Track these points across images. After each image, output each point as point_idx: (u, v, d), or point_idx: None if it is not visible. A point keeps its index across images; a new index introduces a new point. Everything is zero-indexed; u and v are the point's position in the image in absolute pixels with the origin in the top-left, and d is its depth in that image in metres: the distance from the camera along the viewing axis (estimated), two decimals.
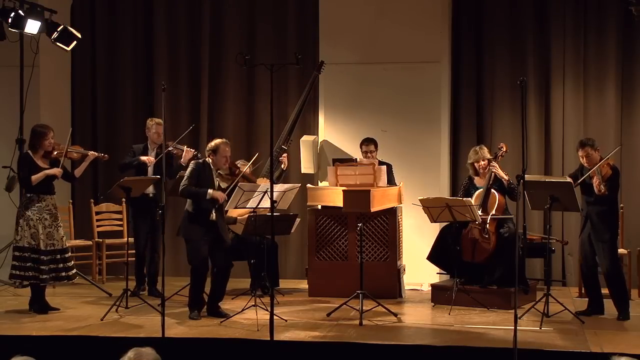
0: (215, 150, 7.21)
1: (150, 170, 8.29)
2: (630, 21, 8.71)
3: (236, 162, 8.32)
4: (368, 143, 8.72)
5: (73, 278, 7.61)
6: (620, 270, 7.38)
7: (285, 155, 8.79)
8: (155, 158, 8.29)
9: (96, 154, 7.81)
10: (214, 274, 7.27)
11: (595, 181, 7.10)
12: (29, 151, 7.53)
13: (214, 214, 7.12)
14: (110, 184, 8.26)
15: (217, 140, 7.31)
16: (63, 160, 7.55)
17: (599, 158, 7.21)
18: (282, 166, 8.71)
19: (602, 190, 7.08)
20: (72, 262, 7.69)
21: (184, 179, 7.20)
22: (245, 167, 7.91)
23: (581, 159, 7.31)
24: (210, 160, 7.22)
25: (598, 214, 7.21)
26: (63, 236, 7.55)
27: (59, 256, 7.45)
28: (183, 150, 8.16)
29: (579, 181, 7.24)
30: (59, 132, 7.87)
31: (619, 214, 7.50)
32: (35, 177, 7.38)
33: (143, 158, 8.28)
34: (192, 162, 7.39)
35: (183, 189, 7.15)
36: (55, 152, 7.53)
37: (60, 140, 7.76)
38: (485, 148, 8.15)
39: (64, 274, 7.46)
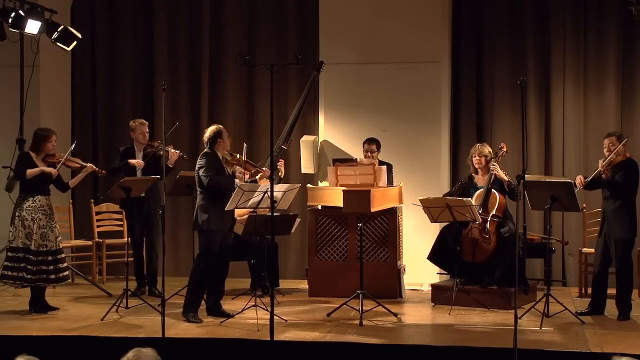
0: (218, 137, 7.13)
1: (138, 172, 8.26)
2: (630, 21, 8.71)
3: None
4: (370, 143, 8.71)
5: (65, 280, 7.57)
6: (630, 270, 7.31)
7: (281, 161, 8.66)
8: (143, 159, 8.28)
9: (94, 167, 7.73)
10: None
11: (600, 164, 7.14)
12: (30, 151, 7.53)
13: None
14: (110, 184, 8.26)
15: (213, 128, 7.20)
16: (60, 166, 7.53)
17: (621, 151, 7.21)
18: (280, 174, 8.56)
19: (603, 171, 7.10)
20: (65, 264, 7.66)
21: (202, 170, 7.00)
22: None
23: (604, 148, 7.30)
24: (217, 149, 7.17)
25: (612, 211, 7.19)
26: (58, 236, 7.52)
27: (50, 257, 7.40)
28: (169, 152, 8.11)
29: (593, 173, 7.24)
30: (59, 133, 7.85)
31: (635, 213, 7.28)
32: (31, 172, 7.35)
33: (132, 161, 8.23)
34: (202, 154, 7.17)
35: (211, 180, 6.97)
36: (55, 158, 7.53)
37: (62, 149, 7.75)
38: (488, 146, 8.15)
39: (53, 276, 7.40)
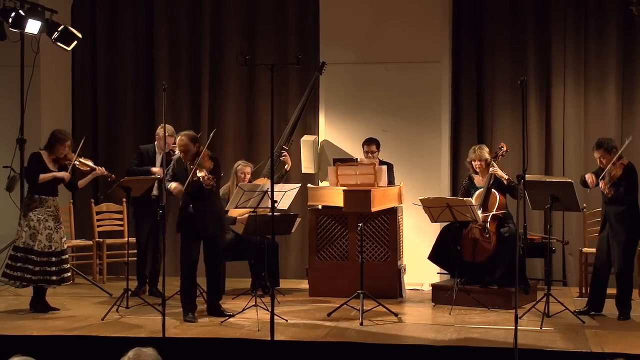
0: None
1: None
2: (630, 21, 8.71)
3: (237, 163, 8.37)
4: (369, 144, 8.70)
5: (67, 281, 7.56)
6: (630, 272, 7.29)
7: (286, 155, 8.69)
8: (161, 164, 8.28)
9: (105, 172, 7.71)
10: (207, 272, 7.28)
11: (602, 184, 7.08)
12: (42, 151, 7.49)
13: (191, 207, 7.09)
14: (110, 184, 8.25)
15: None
16: (71, 168, 7.52)
17: (616, 160, 7.13)
18: (286, 167, 8.57)
19: (606, 192, 7.07)
20: (69, 265, 7.66)
21: None
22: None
23: (597, 161, 7.28)
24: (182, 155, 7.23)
25: (616, 215, 7.15)
26: (63, 237, 7.54)
27: (54, 258, 7.41)
28: None
29: (600, 177, 7.17)
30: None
31: (638, 215, 7.24)
32: (43, 177, 7.35)
33: (155, 170, 8.21)
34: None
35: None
36: (66, 160, 7.51)
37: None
38: (486, 148, 8.14)
39: (55, 277, 7.41)
